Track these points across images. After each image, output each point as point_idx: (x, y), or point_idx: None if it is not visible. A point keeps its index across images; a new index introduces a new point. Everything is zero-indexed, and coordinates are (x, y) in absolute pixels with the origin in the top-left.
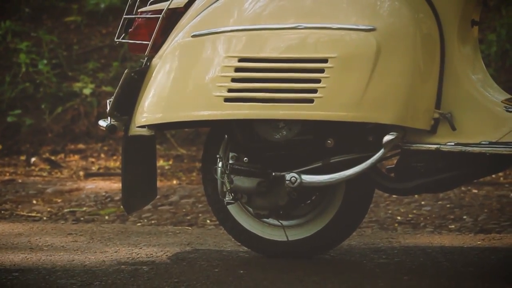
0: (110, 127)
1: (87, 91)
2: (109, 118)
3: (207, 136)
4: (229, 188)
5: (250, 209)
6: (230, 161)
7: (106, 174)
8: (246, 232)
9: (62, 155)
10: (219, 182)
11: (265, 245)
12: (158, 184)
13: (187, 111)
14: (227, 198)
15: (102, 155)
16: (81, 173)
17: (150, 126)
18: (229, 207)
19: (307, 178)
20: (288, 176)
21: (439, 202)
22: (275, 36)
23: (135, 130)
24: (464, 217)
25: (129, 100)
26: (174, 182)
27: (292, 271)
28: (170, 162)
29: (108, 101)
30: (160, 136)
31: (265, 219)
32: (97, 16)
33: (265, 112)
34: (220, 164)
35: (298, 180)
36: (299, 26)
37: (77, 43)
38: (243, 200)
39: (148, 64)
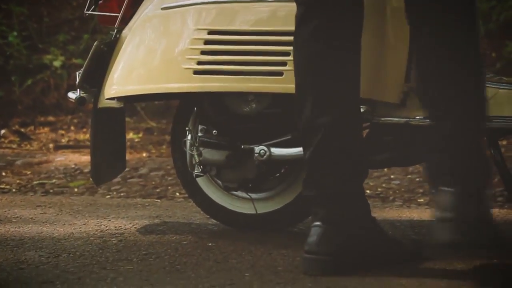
0: (79, 99)
1: (57, 64)
2: (78, 90)
3: (176, 109)
4: (198, 160)
5: (219, 182)
6: (199, 134)
7: (75, 146)
8: (215, 205)
9: (32, 128)
10: (188, 155)
11: (234, 218)
12: (128, 156)
13: (157, 83)
14: (196, 171)
15: (72, 128)
16: (51, 145)
17: (119, 98)
18: (198, 179)
19: (276, 151)
20: (257, 149)
21: (408, 176)
22: (245, 9)
23: (104, 102)
24: (433, 190)
25: (98, 72)
26: (144, 154)
27: (260, 244)
28: (140, 135)
29: (77, 73)
30: (130, 109)
31: (234, 192)
32: None
33: (235, 85)
34: (189, 137)
35: (267, 153)
36: None
37: (48, 16)
38: (212, 172)
39: (118, 36)
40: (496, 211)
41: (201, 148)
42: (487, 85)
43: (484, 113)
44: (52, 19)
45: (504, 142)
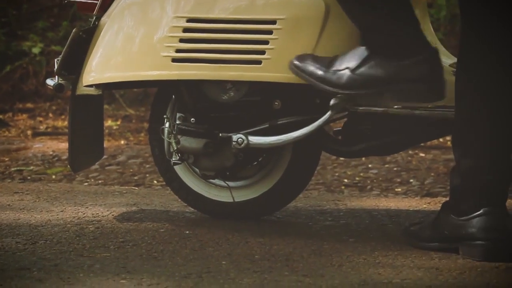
0: (57, 86)
1: (36, 50)
2: (56, 77)
3: (154, 97)
4: (175, 148)
5: (197, 170)
6: (177, 122)
7: (54, 133)
8: (193, 193)
9: (10, 114)
10: (166, 143)
11: (212, 206)
12: (106, 144)
13: (135, 71)
14: (173, 159)
15: (50, 115)
16: (29, 132)
17: (97, 86)
18: (175, 167)
19: (254, 139)
20: (235, 137)
21: (386, 165)
22: None
23: (82, 89)
24: (411, 180)
25: (77, 59)
26: (122, 142)
27: (238, 232)
28: (118, 122)
29: (56, 60)
30: (108, 96)
31: (211, 180)
32: None
33: (213, 73)
34: (167, 125)
35: (245, 141)
36: None
37: (27, 2)
38: (189, 160)
39: (97, 23)
40: None
41: (179, 136)
42: None
43: None
44: (31, 6)
45: None
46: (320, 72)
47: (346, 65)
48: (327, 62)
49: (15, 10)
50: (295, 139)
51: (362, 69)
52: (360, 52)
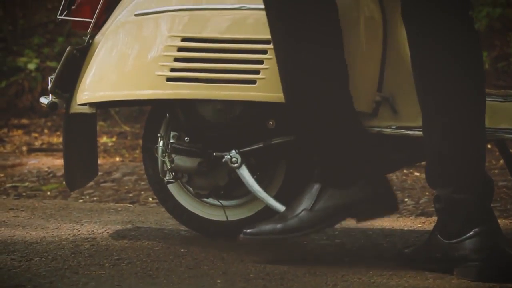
0: (51, 104)
1: (31, 66)
2: (50, 95)
3: (148, 115)
4: (169, 167)
5: (191, 189)
6: (171, 140)
7: (49, 149)
8: (187, 212)
9: (6, 130)
10: (160, 161)
11: (206, 225)
12: (101, 161)
13: (129, 89)
14: (167, 177)
15: (46, 131)
16: (24, 148)
17: (91, 104)
18: (169, 187)
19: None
20: (228, 156)
21: None
22: (219, 16)
23: (76, 108)
24: (406, 199)
25: (71, 77)
26: (117, 159)
27: (233, 251)
28: (114, 139)
29: (49, 78)
30: (104, 113)
31: (205, 199)
32: None
33: (208, 92)
34: (161, 143)
35: (239, 161)
36: (243, 6)
37: (23, 18)
38: (183, 179)
39: (91, 42)
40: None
41: (173, 155)
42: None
43: (483, 116)
44: (27, 22)
45: None
46: (279, 225)
47: (303, 207)
48: (281, 215)
49: (10, 26)
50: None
51: (319, 205)
52: (312, 190)
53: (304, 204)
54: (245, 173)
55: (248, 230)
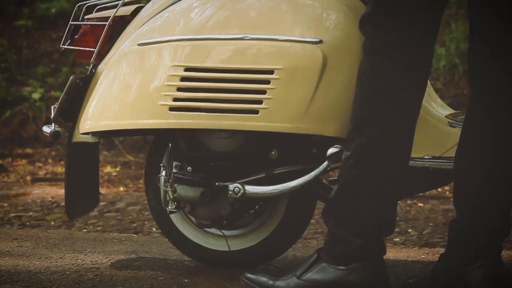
0: (54, 134)
1: (36, 96)
2: (53, 124)
3: (150, 146)
4: (172, 197)
5: (193, 219)
6: (174, 170)
7: (53, 179)
8: (190, 242)
9: (10, 159)
10: (162, 191)
11: (209, 255)
12: (105, 190)
13: (132, 119)
14: (170, 207)
15: (50, 160)
16: (28, 177)
17: (94, 133)
18: (172, 217)
19: (250, 188)
20: (231, 187)
21: None
22: (222, 46)
23: (79, 137)
24: (409, 230)
25: (73, 106)
26: (121, 188)
27: (236, 280)
28: (118, 169)
29: (52, 107)
30: (108, 143)
31: (207, 229)
32: (47, 21)
33: (210, 122)
34: (163, 173)
35: (242, 191)
36: (245, 36)
37: (27, 47)
38: (186, 209)
39: (94, 71)
40: None
41: (175, 185)
42: None
43: None
44: (32, 51)
45: None
46: (271, 282)
47: (294, 272)
48: (279, 271)
49: (15, 55)
50: (291, 189)
51: (308, 275)
52: (311, 258)
53: (298, 270)
54: (251, 188)
55: (248, 275)
